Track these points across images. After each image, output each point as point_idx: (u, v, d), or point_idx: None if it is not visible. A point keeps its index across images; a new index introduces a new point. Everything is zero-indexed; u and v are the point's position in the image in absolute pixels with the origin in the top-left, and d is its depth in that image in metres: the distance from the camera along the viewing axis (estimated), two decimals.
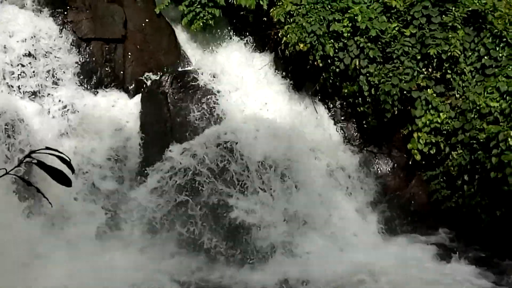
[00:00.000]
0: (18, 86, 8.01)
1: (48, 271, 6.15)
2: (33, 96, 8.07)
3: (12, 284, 5.77)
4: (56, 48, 8.38)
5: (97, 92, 8.58)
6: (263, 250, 7.51)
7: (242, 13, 9.44)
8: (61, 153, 1.86)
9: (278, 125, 8.43)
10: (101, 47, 8.79)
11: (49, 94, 8.19)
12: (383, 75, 8.43)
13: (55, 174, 1.80)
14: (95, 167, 7.87)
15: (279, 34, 9.04)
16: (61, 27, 8.59)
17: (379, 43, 8.63)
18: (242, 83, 9.15)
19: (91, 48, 8.71)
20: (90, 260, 6.67)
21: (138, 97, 8.79)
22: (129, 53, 9.01)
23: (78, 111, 8.15)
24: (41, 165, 1.77)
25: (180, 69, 9.12)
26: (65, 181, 1.84)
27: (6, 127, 7.46)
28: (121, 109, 8.60)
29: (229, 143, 7.99)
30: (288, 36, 8.84)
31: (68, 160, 1.87)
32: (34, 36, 8.28)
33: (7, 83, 7.96)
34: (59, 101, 8.15)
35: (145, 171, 8.06)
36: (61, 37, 8.51)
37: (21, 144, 7.47)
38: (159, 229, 7.63)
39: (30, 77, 8.11)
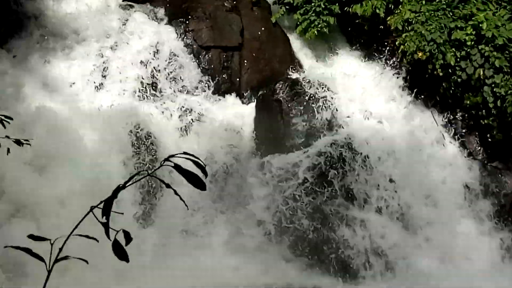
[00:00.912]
0: (143, 91, 8.40)
1: (174, 273, 6.32)
2: (156, 100, 8.44)
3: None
4: (178, 55, 8.71)
5: (215, 98, 8.83)
6: (374, 265, 7.27)
7: (357, 21, 9.32)
8: (197, 158, 1.92)
9: (394, 136, 8.17)
10: (219, 55, 9.03)
11: (171, 99, 8.53)
12: (510, 85, 7.93)
13: (191, 178, 1.86)
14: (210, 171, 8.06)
15: (396, 43, 8.81)
16: (183, 36, 8.92)
17: (506, 52, 8.14)
18: (356, 92, 9.01)
19: (210, 55, 8.97)
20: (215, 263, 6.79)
21: (252, 104, 8.94)
22: (245, 61, 9.18)
23: (196, 116, 8.42)
24: (179, 169, 1.83)
25: (294, 77, 9.13)
26: (200, 185, 1.90)
27: (136, 130, 7.80)
28: (236, 115, 8.77)
29: (343, 152, 7.88)
30: (406, 44, 8.60)
31: (203, 165, 1.93)
32: (158, 44, 8.68)
33: (134, 87, 8.37)
34: (180, 106, 8.46)
35: (258, 177, 8.09)
36: (183, 45, 8.85)
37: (147, 146, 7.83)
38: (271, 234, 7.61)
39: (154, 83, 8.46)
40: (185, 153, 1.93)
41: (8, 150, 3.60)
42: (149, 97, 8.40)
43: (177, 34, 8.89)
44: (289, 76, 9.12)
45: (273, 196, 7.79)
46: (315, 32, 9.33)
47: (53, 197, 6.74)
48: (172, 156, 1.90)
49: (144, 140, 8.04)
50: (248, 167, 8.41)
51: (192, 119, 8.43)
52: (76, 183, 6.83)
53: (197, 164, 1.93)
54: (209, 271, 6.66)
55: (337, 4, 9.23)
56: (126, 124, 7.95)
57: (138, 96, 8.33)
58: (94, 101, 8.07)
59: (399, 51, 8.69)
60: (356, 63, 9.46)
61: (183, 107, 8.53)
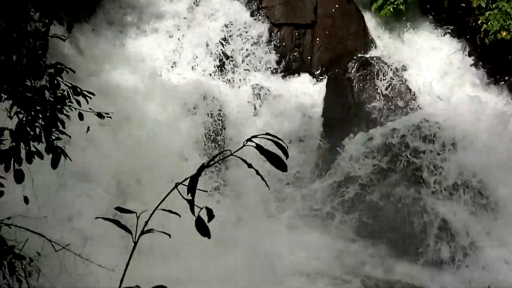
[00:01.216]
0: (216, 69, 8.46)
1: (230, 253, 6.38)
2: (228, 79, 8.49)
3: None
4: (250, 33, 8.68)
5: (285, 76, 8.76)
6: (446, 254, 7.04)
7: None
8: (279, 139, 1.92)
9: (472, 120, 7.82)
10: (291, 32, 8.92)
11: (243, 77, 8.55)
12: None
13: (273, 159, 1.86)
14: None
15: (479, 22, 8.39)
16: (256, 13, 8.88)
17: None
18: (433, 73, 8.69)
19: (282, 33, 8.89)
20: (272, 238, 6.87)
21: (323, 83, 8.81)
22: (318, 39, 9.04)
23: (267, 94, 8.40)
24: (261, 149, 1.83)
25: (367, 56, 8.92)
26: (282, 166, 1.91)
27: (208, 107, 7.95)
28: (306, 93, 8.69)
29: (417, 134, 7.64)
30: (489, 23, 8.19)
31: (286, 147, 1.93)
32: (230, 22, 8.69)
33: (206, 65, 8.46)
34: (252, 84, 8.47)
35: (327, 156, 8.00)
36: (255, 22, 8.80)
37: (218, 123, 7.96)
38: (340, 213, 7.55)
39: (226, 60, 8.52)
40: (267, 134, 1.93)
41: (88, 128, 3.80)
42: (221, 75, 8.47)
43: (250, 12, 8.87)
44: (362, 55, 8.90)
45: (343, 175, 7.68)
46: (391, 9, 9.06)
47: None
48: (255, 136, 1.90)
49: (216, 117, 8.15)
50: (319, 145, 8.38)
51: (263, 97, 8.44)
52: (151, 158, 6.94)
53: (278, 145, 1.93)
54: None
55: None
56: (199, 100, 8.07)
57: (211, 73, 8.42)
58: (169, 77, 8.20)
59: (482, 30, 8.27)
60: (434, 42, 9.13)
61: (255, 84, 8.55)
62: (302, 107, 8.58)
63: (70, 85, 3.44)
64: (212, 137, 8.10)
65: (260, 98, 8.43)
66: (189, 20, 8.66)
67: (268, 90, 8.52)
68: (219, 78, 8.41)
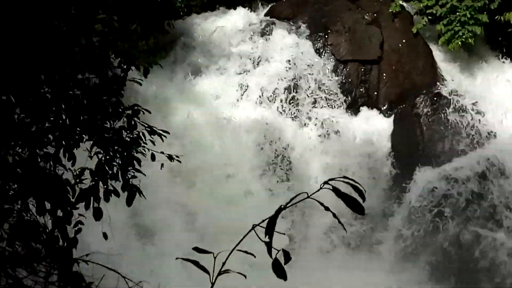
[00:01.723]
0: (281, 104, 8.52)
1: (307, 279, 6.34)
2: (293, 114, 8.51)
3: None
4: (316, 69, 8.71)
5: (352, 112, 8.72)
6: None
7: (510, 30, 8.66)
8: (356, 182, 1.92)
9: None
10: (357, 68, 8.90)
11: (307, 112, 8.56)
12: None
13: (351, 202, 1.87)
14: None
15: None
16: (322, 50, 8.94)
17: None
18: (504, 106, 8.39)
19: (347, 69, 8.87)
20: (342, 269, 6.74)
21: (391, 118, 8.70)
22: (384, 74, 8.96)
23: (333, 130, 8.38)
24: (338, 192, 1.84)
25: (435, 91, 8.74)
26: (359, 209, 1.91)
27: (273, 143, 8.02)
28: (373, 129, 8.58)
29: (490, 170, 7.36)
30: None
31: (363, 190, 1.93)
32: (296, 58, 8.75)
33: (271, 101, 8.53)
34: (317, 119, 8.47)
35: (395, 192, 7.87)
36: (321, 59, 8.85)
37: (287, 160, 7.98)
38: (409, 253, 7.34)
39: (291, 96, 8.56)
40: (344, 177, 1.93)
41: (162, 165, 3.81)
42: (286, 111, 8.51)
43: (316, 49, 8.94)
44: (430, 90, 8.73)
45: (415, 211, 7.50)
46: (459, 43, 8.86)
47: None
48: (332, 179, 1.91)
49: (282, 153, 8.19)
50: (386, 181, 8.22)
51: (328, 133, 8.40)
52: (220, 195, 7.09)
53: (354, 187, 1.93)
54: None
55: (485, 13, 8.66)
56: (265, 136, 8.15)
57: (277, 110, 8.49)
58: (234, 114, 8.32)
59: None
60: (506, 75, 8.81)
61: (320, 120, 8.52)
62: (369, 143, 8.48)
63: (146, 125, 3.56)
64: (278, 173, 8.12)
65: (326, 135, 8.41)
66: (256, 57, 8.80)
67: (334, 126, 8.49)
68: (283, 114, 8.46)
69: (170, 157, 3.73)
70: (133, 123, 3.51)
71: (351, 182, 1.91)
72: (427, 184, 7.58)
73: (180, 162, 3.76)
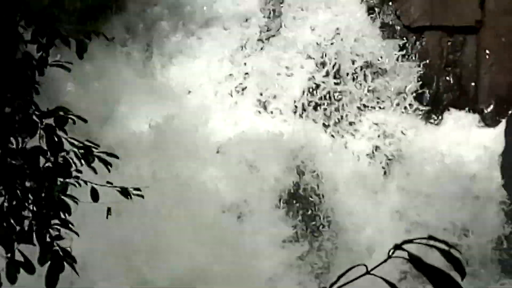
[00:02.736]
0: (305, 106, 6.52)
1: None
2: (326, 120, 6.51)
3: None
4: (367, 43, 6.51)
5: (430, 117, 6.68)
6: None
7: None
8: (451, 246, 1.37)
9: None
10: (439, 42, 6.76)
11: (352, 118, 6.53)
12: None
13: (440, 280, 1.33)
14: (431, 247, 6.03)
15: None
16: (379, 11, 6.63)
17: None
18: None
19: (423, 43, 6.70)
20: None
21: (500, 126, 6.62)
22: (487, 52, 6.78)
23: (399, 146, 6.47)
24: (419, 265, 1.33)
25: None
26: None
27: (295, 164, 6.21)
28: (469, 144, 6.66)
29: None
30: None
31: (460, 261, 1.37)
32: (337, 27, 6.55)
33: (289, 100, 6.47)
34: (372, 128, 6.55)
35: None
36: (377, 26, 6.58)
37: (320, 195, 6.23)
38: None
39: (324, 93, 6.55)
40: (430, 237, 1.39)
41: (109, 210, 2.92)
42: (315, 115, 6.40)
43: (369, 10, 6.67)
44: None
45: None
46: None
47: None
48: (408, 241, 1.36)
49: (312, 183, 6.30)
50: (496, 233, 6.32)
51: (391, 152, 6.37)
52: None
53: (444, 253, 1.35)
54: None
55: None
56: (280, 154, 6.25)
57: (295, 112, 6.38)
58: (229, 121, 6.31)
59: None
60: None
61: (375, 130, 6.48)
62: (461, 166, 6.41)
63: (78, 144, 2.72)
64: (305, 218, 6.19)
65: (382, 151, 6.43)
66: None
67: (400, 139, 6.53)
68: (309, 120, 6.45)
69: (125, 192, 2.76)
70: (56, 139, 2.65)
71: (441, 246, 1.38)
72: None
73: (142, 197, 2.78)
